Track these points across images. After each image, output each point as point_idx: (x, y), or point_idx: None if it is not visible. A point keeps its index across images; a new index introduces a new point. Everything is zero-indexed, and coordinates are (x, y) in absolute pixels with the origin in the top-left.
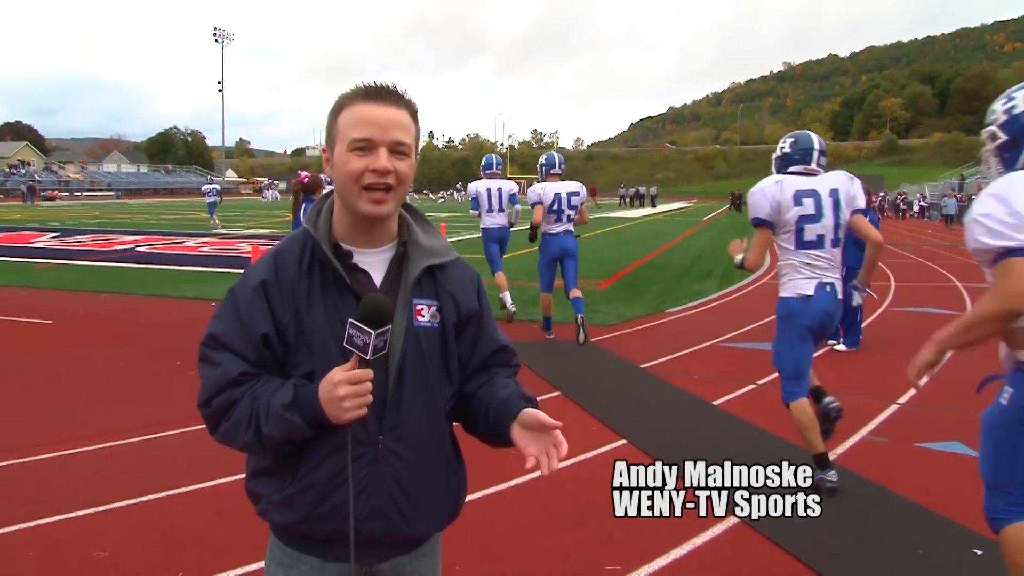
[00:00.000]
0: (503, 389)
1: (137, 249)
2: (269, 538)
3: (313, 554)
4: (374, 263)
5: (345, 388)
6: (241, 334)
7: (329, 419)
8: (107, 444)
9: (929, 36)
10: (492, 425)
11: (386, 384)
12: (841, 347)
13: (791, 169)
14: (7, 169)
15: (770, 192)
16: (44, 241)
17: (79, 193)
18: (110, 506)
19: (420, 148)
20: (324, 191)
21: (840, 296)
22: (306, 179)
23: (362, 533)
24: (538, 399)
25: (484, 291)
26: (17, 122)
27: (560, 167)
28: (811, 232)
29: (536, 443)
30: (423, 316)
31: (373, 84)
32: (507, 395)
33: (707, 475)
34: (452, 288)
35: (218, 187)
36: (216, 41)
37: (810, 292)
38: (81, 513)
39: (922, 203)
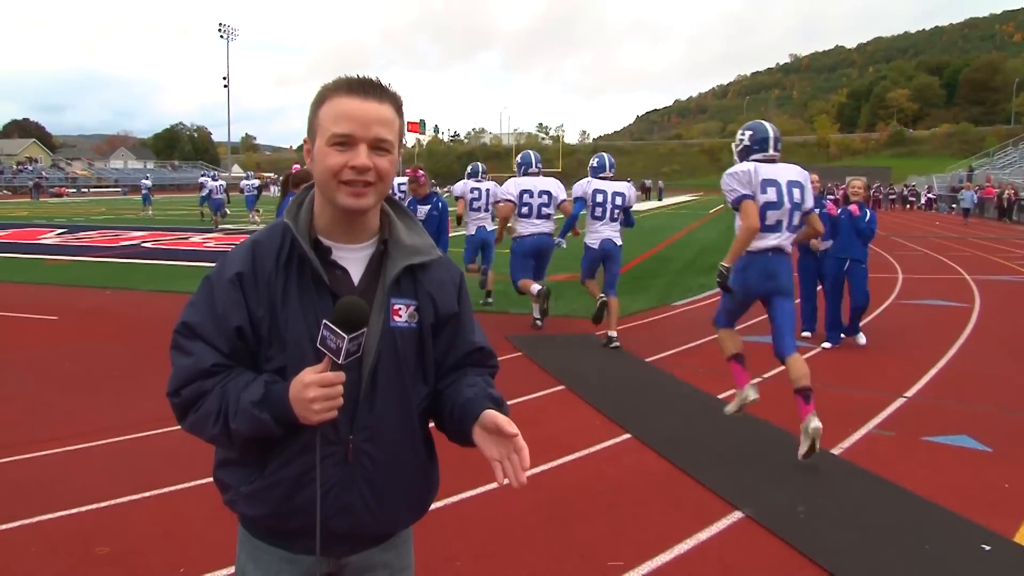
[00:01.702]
0: (469, 388)
1: (143, 245)
2: (239, 528)
3: (281, 547)
4: (354, 260)
5: (315, 391)
6: (215, 325)
7: (298, 419)
8: (110, 440)
9: (937, 27)
10: (456, 424)
11: (359, 383)
12: (862, 339)
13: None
14: (15, 166)
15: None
16: (51, 237)
17: (86, 190)
18: (112, 502)
19: (426, 143)
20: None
21: None
22: (296, 171)
23: (329, 529)
24: (543, 392)
25: (466, 291)
26: (25, 119)
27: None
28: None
29: (497, 447)
30: (400, 316)
31: (356, 76)
32: (472, 394)
33: (712, 469)
34: (431, 288)
35: (150, 183)
36: (221, 37)
37: None
38: (83, 509)
39: (929, 195)
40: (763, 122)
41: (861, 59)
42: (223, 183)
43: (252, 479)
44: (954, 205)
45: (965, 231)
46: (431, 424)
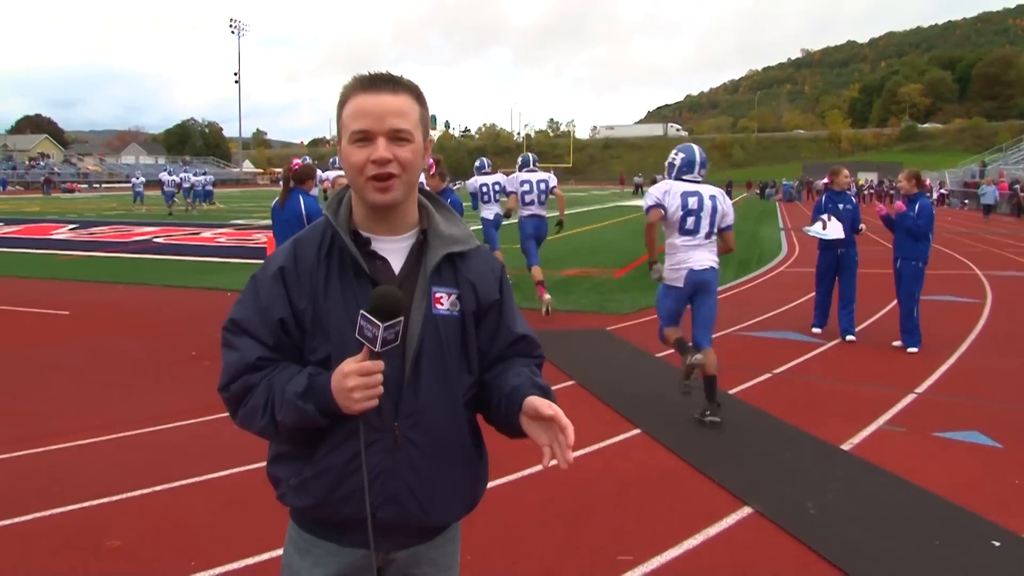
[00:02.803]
0: (516, 377)
1: (155, 240)
2: (288, 523)
3: (330, 539)
4: (394, 251)
5: (355, 380)
6: (260, 319)
7: (341, 409)
8: (121, 434)
9: (950, 21)
10: (504, 415)
11: (403, 371)
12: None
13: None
14: (27, 162)
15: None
16: (63, 233)
17: (98, 185)
18: (123, 496)
19: (437, 138)
20: (317, 180)
21: None
22: (297, 167)
23: (377, 519)
24: (553, 388)
25: (507, 281)
26: (37, 115)
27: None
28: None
29: (545, 432)
30: (442, 304)
31: (368, 74)
32: (518, 383)
33: (721, 464)
34: (472, 277)
35: (144, 180)
36: (232, 32)
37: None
38: (95, 503)
39: (941, 190)
40: (528, 153)
41: (873, 54)
42: (176, 178)
43: (302, 471)
44: (966, 200)
45: (979, 227)
46: (479, 417)
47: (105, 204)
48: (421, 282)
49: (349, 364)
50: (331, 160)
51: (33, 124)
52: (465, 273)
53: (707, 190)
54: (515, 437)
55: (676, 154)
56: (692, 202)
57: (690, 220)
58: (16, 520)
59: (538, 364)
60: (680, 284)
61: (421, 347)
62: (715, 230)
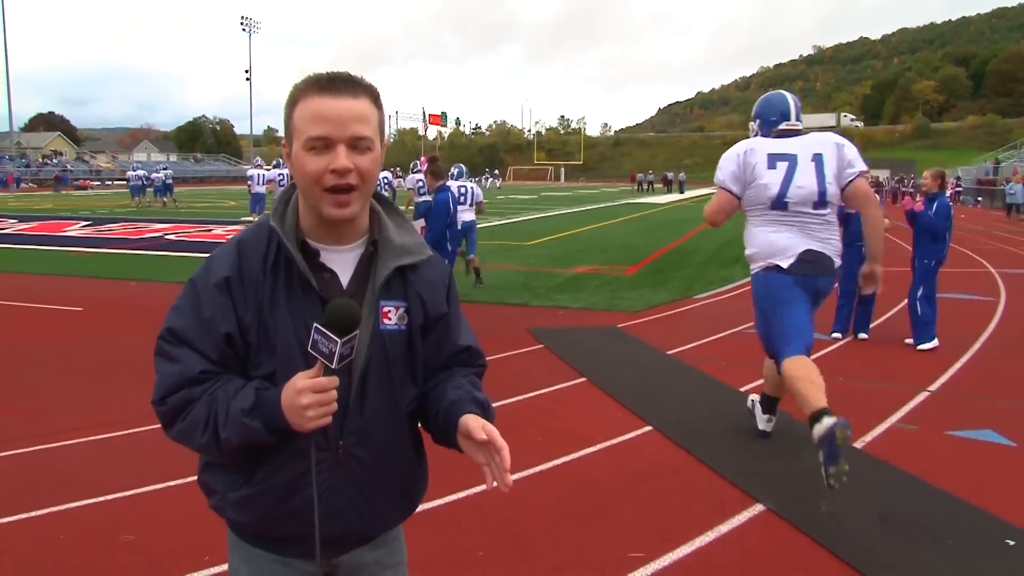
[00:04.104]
0: (453, 391)
1: (167, 237)
2: (228, 532)
3: (271, 551)
4: (342, 261)
5: (309, 396)
6: (202, 331)
7: (291, 426)
8: (136, 430)
9: (964, 17)
10: (441, 430)
11: (349, 388)
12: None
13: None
14: (40, 159)
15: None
16: (75, 229)
17: (110, 182)
18: (137, 491)
19: (448, 135)
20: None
21: None
22: None
23: (319, 533)
24: (563, 385)
25: (454, 291)
26: (50, 112)
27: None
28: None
29: (482, 452)
30: (390, 319)
31: (326, 73)
32: (456, 397)
33: (733, 461)
34: (421, 289)
35: (141, 174)
36: (244, 30)
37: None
38: (109, 497)
39: (957, 187)
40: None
41: (886, 50)
42: (142, 173)
43: (239, 485)
44: (979, 198)
45: (1001, 225)
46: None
47: (117, 201)
48: (369, 296)
49: (302, 380)
50: None
51: (46, 122)
52: (415, 285)
53: (468, 184)
54: (451, 448)
55: (452, 169)
56: (464, 191)
57: (463, 198)
58: (32, 514)
59: (479, 374)
60: (459, 227)
61: (368, 364)
62: (475, 202)
